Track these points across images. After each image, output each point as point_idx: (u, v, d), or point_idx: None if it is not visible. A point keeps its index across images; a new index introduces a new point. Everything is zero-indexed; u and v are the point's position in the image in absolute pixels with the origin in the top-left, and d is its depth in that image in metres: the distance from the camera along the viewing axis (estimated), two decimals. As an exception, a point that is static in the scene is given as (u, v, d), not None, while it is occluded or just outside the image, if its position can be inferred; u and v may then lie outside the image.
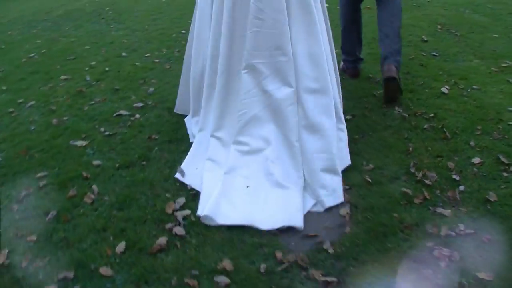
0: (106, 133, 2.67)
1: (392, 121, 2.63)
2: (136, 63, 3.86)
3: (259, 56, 2.08)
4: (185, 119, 2.70)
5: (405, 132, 2.51)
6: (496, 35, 4.19)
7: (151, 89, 3.26)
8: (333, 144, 2.09)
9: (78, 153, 2.49)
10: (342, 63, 3.30)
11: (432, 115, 2.67)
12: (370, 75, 3.25)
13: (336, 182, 2.04)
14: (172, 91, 3.18)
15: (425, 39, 4.01)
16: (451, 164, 2.23)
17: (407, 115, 2.67)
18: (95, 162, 2.37)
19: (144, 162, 2.35)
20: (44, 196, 2.13)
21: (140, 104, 3.03)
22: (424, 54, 3.68)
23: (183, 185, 2.14)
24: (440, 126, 2.54)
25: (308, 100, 2.13)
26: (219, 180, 2.03)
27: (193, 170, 2.19)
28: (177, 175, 2.18)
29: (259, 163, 2.09)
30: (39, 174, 2.29)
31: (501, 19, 4.76)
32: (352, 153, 2.33)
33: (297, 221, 1.87)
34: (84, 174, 2.26)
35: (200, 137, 2.34)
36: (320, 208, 1.98)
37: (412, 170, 2.18)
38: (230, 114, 2.19)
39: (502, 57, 3.62)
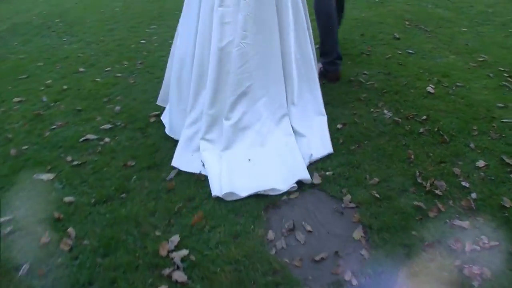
0: (75, 162, 2.37)
1: (385, 127, 2.49)
2: (97, 79, 3.54)
3: (249, 37, 2.19)
4: (162, 117, 2.70)
5: (402, 138, 2.37)
6: (464, 29, 4.18)
7: (118, 108, 2.97)
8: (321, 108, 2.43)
9: (45, 188, 2.18)
10: (319, 66, 3.11)
11: (424, 117, 2.55)
12: (351, 78, 3.11)
13: (325, 136, 2.33)
14: (141, 108, 2.92)
15: (397, 36, 3.94)
16: (457, 170, 2.11)
17: (399, 119, 2.54)
18: (67, 199, 2.07)
19: (124, 195, 2.08)
20: (12, 246, 1.82)
21: (108, 126, 2.73)
22: (400, 52, 3.59)
23: (173, 218, 1.90)
24: (436, 129, 2.43)
25: (297, 74, 2.34)
26: (219, 157, 2.17)
27: (188, 158, 2.25)
28: (173, 164, 2.25)
29: (252, 137, 2.24)
30: (3, 219, 1.97)
31: (464, 12, 4.79)
32: (352, 166, 2.17)
33: (303, 174, 2.06)
34: (56, 214, 1.96)
35: (191, 119, 2.34)
36: (318, 156, 2.22)
37: (419, 180, 2.04)
38: (222, 92, 2.26)
39: (476, 52, 3.59)
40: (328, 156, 2.23)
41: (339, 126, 2.49)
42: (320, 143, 2.27)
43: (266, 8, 2.19)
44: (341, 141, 2.34)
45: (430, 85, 2.95)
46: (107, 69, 3.76)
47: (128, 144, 2.51)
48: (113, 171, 2.27)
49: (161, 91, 2.76)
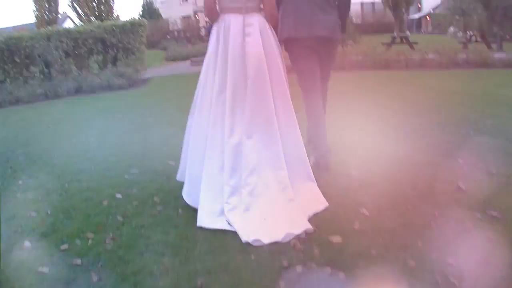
0: None
1: None
2: (43, 269, 2.37)
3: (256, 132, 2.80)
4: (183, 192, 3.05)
5: None
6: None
7: None
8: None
9: None
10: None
11: None
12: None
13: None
14: None
15: (461, 186, 2.94)
16: None
17: None
18: None
19: None
20: None
21: None
22: (479, 217, 2.54)
23: None
24: None
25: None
26: (242, 216, 2.65)
27: (211, 219, 2.69)
28: (199, 224, 2.68)
29: (265, 201, 2.71)
30: None
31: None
32: None
33: (306, 225, 2.56)
34: None
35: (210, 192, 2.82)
36: (318, 210, 2.78)
37: None
38: (238, 167, 2.79)
39: None
40: None
41: None
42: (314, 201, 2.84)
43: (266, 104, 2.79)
44: None
45: None
46: (63, 246, 2.62)
47: None
48: None
49: (180, 167, 3.21)
